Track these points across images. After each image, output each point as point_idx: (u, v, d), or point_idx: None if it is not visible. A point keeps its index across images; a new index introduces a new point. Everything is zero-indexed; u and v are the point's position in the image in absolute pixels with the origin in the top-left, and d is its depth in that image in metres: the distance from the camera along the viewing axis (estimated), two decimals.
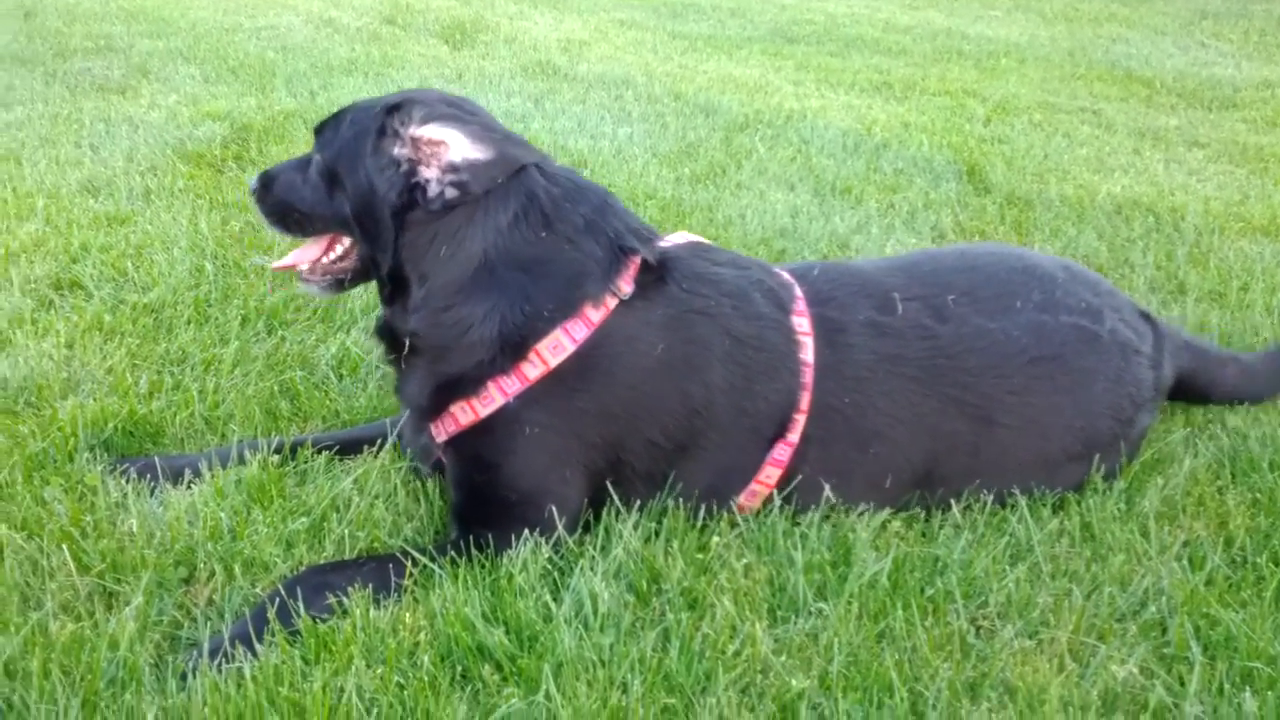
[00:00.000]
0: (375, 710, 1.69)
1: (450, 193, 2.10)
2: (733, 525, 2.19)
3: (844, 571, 2.05)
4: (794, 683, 1.76)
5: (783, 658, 1.84)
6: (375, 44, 7.49)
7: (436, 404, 2.15)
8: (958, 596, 2.00)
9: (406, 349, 2.18)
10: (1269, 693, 1.79)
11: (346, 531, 2.14)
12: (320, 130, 2.31)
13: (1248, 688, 1.81)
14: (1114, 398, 2.33)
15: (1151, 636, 1.95)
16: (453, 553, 2.04)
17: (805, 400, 2.19)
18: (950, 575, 2.05)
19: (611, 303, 2.11)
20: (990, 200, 4.48)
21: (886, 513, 2.23)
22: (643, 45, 8.07)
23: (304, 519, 2.15)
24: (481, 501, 2.13)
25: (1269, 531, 2.24)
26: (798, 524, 2.18)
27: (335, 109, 2.36)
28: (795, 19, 9.67)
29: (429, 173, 2.11)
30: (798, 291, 2.28)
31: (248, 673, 1.73)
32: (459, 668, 1.80)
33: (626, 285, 2.13)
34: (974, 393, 2.25)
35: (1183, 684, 1.83)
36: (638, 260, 2.16)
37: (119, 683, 1.73)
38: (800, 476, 2.21)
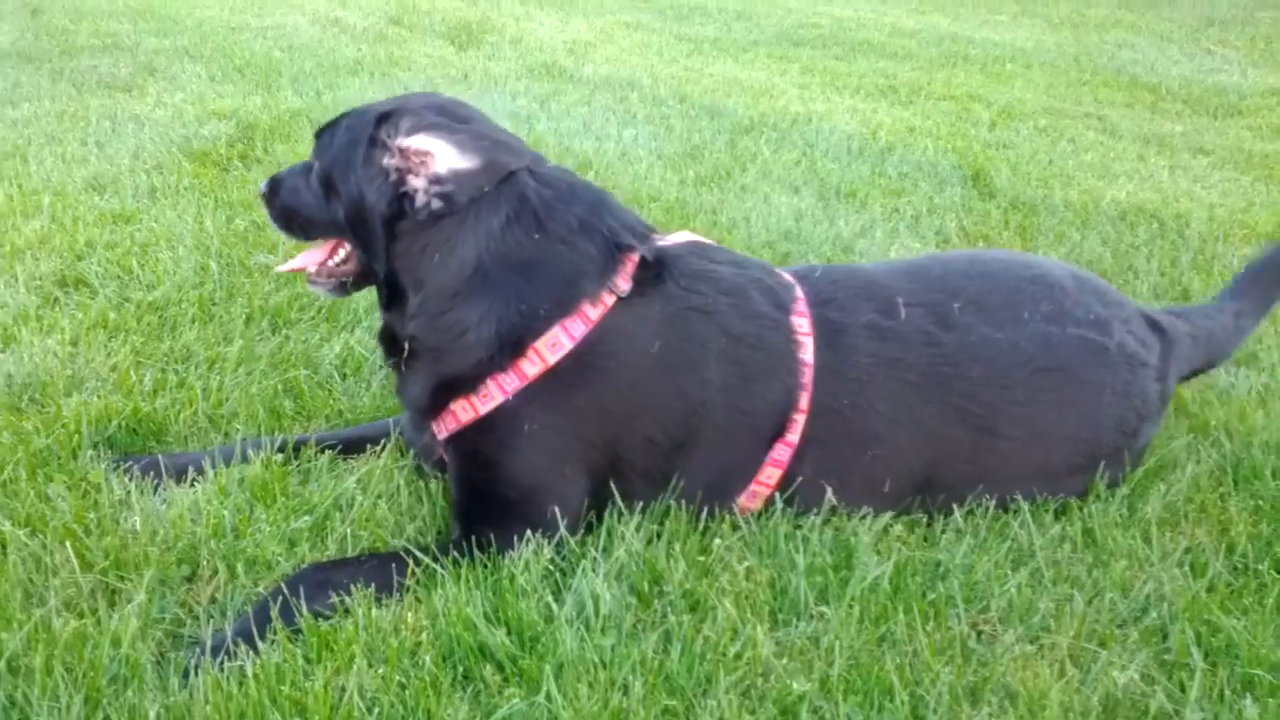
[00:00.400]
0: (377, 710, 1.69)
1: (436, 204, 2.11)
2: (734, 528, 2.19)
3: (845, 575, 2.05)
4: (795, 686, 1.76)
5: (784, 661, 1.84)
6: (381, 44, 7.50)
7: (437, 403, 2.16)
8: (959, 601, 2.00)
9: (406, 352, 2.19)
10: (1270, 700, 1.79)
11: (349, 531, 2.14)
12: (319, 135, 2.34)
13: (1249, 695, 1.81)
14: (1120, 411, 2.33)
15: (1153, 643, 1.95)
16: (455, 552, 2.04)
17: (804, 400, 2.19)
18: (952, 580, 2.05)
19: (609, 300, 2.11)
20: (995, 205, 4.48)
21: (888, 516, 2.23)
22: (648, 47, 8.08)
23: (307, 517, 2.16)
24: (482, 499, 2.14)
25: (1270, 538, 2.24)
26: (799, 527, 2.18)
27: (340, 109, 2.38)
28: (801, 22, 9.68)
29: (417, 182, 2.12)
30: (798, 292, 2.28)
31: (250, 671, 1.73)
32: (460, 668, 1.80)
33: (624, 283, 2.13)
34: (976, 402, 2.24)
35: (1183, 691, 1.83)
36: (635, 258, 2.16)
37: (121, 680, 1.74)
38: (800, 478, 2.21)
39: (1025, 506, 2.27)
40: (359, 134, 2.19)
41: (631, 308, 2.13)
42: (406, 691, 1.73)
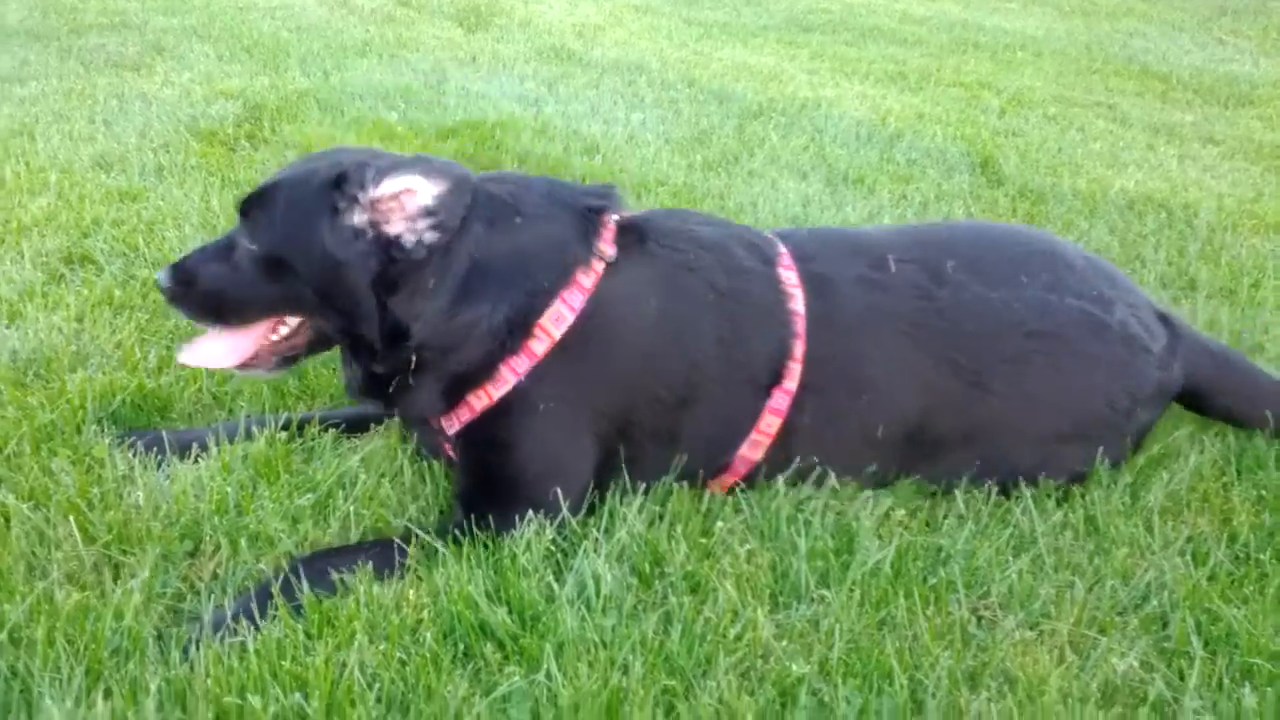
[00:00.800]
0: (377, 685, 1.70)
1: (429, 236, 2.05)
2: (736, 510, 2.20)
3: (847, 559, 2.05)
4: (794, 668, 1.77)
5: (784, 643, 1.84)
6: (389, 25, 7.48)
7: (452, 401, 2.14)
8: (960, 586, 2.00)
9: (414, 364, 2.12)
10: (1269, 689, 1.79)
11: (352, 509, 2.14)
12: (246, 212, 2.19)
13: (1247, 683, 1.81)
14: (1112, 387, 2.33)
15: (1153, 630, 1.95)
16: (455, 531, 2.04)
17: (799, 349, 2.22)
18: (953, 565, 2.06)
19: (599, 267, 2.14)
20: (1003, 193, 4.47)
21: (889, 501, 2.23)
22: (657, 31, 8.05)
23: (310, 495, 2.16)
24: (490, 482, 2.14)
25: (1273, 528, 2.24)
26: (801, 510, 2.18)
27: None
28: (811, 8, 9.64)
29: (396, 227, 2.05)
30: (781, 248, 2.32)
31: (250, 645, 1.74)
32: (461, 645, 1.81)
33: (609, 248, 2.15)
34: (967, 355, 2.27)
35: (1182, 678, 1.83)
36: (611, 223, 2.19)
37: (123, 652, 1.74)
38: (799, 425, 2.23)
39: (1027, 493, 2.27)
40: (312, 204, 2.08)
41: (621, 272, 2.15)
42: (407, 668, 1.73)
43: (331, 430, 2.39)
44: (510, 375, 2.09)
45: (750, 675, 1.79)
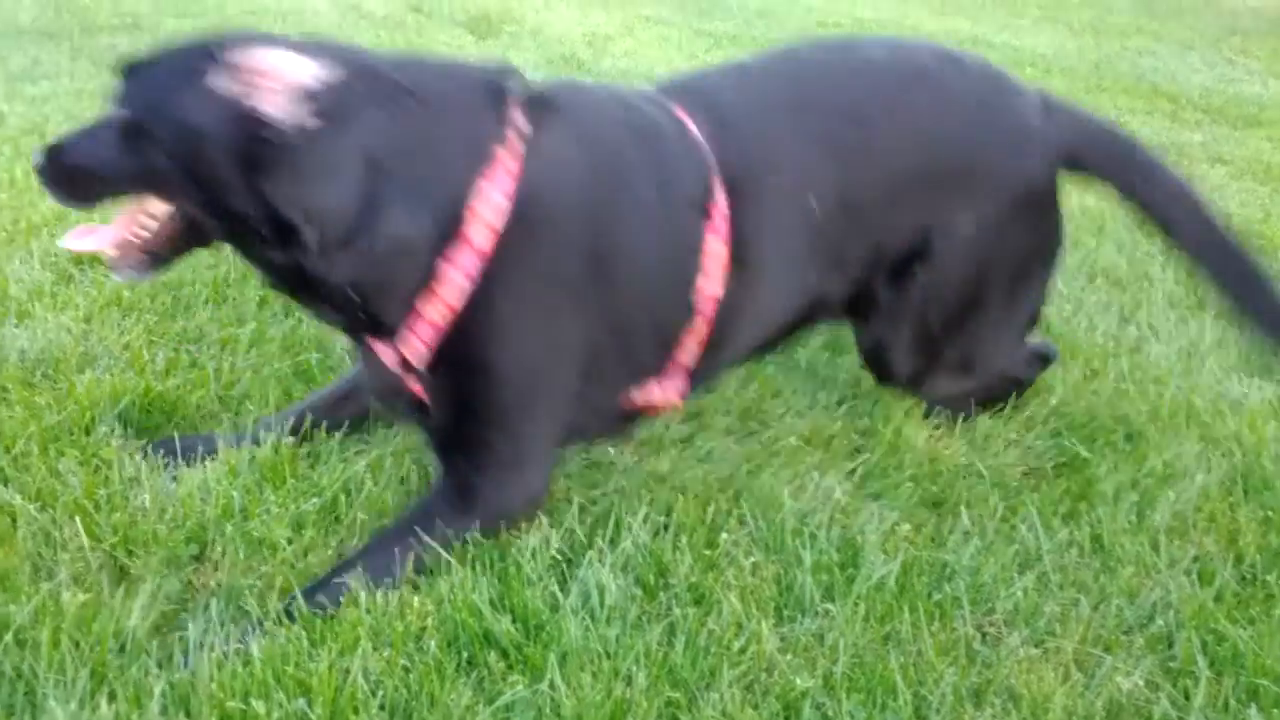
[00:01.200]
0: (380, 692, 1.70)
1: (309, 121, 1.86)
2: (741, 522, 2.20)
3: (852, 573, 2.05)
4: (798, 682, 1.77)
5: (788, 656, 1.84)
6: (400, 32, 7.50)
7: (404, 312, 2.01)
8: (965, 602, 2.00)
9: (360, 303, 2.00)
10: (1275, 710, 1.79)
11: (358, 516, 2.14)
12: (126, 78, 2.04)
13: (1253, 704, 1.81)
14: (994, 121, 2.42)
15: (1158, 650, 1.95)
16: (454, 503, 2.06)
17: (713, 163, 2.22)
18: (958, 581, 2.05)
19: (519, 145, 2.02)
20: None
21: (896, 515, 2.23)
22: (667, 41, 8.06)
23: (315, 500, 2.16)
24: (475, 415, 2.09)
25: (1279, 550, 2.23)
26: (806, 524, 2.18)
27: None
28: (822, 21, 9.64)
29: (273, 103, 1.85)
30: (651, 90, 2.39)
31: (254, 652, 1.74)
32: (465, 654, 1.81)
33: (523, 121, 2.05)
34: (851, 106, 2.35)
35: (1188, 698, 1.83)
36: (517, 97, 2.08)
37: (128, 655, 1.74)
38: (744, 240, 2.22)
39: (1034, 511, 2.27)
40: (184, 65, 1.92)
41: (542, 144, 2.05)
42: (410, 675, 1.73)
43: (337, 435, 2.37)
44: (456, 274, 1.97)
45: (754, 688, 1.78)
